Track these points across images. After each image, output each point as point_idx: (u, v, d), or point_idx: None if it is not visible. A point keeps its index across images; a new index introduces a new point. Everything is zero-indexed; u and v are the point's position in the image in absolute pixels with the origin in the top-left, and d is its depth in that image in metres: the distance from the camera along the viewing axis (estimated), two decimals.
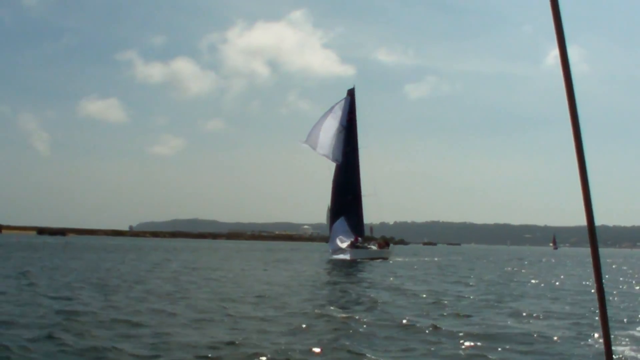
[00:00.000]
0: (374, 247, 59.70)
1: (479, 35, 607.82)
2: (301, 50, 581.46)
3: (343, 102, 60.92)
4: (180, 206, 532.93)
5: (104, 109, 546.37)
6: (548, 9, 2.23)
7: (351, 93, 62.21)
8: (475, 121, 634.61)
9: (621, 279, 42.24)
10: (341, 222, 58.24)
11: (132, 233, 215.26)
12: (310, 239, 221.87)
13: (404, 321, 16.69)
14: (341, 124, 59.11)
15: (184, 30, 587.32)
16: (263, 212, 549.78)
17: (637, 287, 34.05)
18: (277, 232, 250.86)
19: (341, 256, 54.85)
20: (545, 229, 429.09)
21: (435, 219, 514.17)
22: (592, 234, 2.43)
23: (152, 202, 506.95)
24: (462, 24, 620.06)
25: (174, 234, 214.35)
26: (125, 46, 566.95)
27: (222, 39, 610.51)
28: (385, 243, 64.12)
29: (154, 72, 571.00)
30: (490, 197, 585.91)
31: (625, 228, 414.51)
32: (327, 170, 60.87)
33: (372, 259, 55.48)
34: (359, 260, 53.11)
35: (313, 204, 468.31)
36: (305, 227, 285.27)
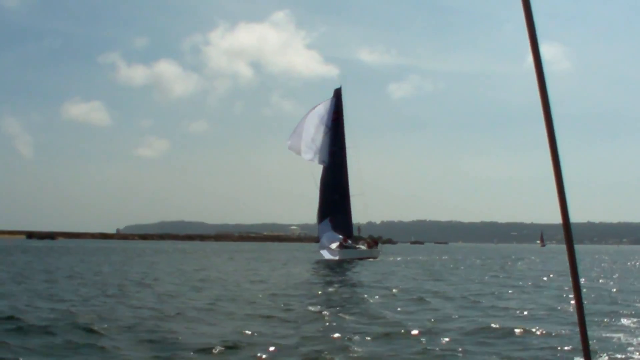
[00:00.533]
0: (362, 247, 59.64)
1: (461, 34, 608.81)
2: (284, 51, 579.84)
3: (329, 101, 60.87)
4: (166, 208, 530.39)
5: (87, 111, 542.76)
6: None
7: (338, 92, 62.10)
8: (459, 120, 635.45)
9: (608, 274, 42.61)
10: (326, 224, 58.28)
11: (120, 236, 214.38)
12: (299, 239, 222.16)
13: (389, 317, 16.84)
14: (326, 124, 59.12)
15: (166, 32, 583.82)
16: (250, 213, 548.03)
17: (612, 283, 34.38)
18: (265, 233, 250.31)
19: (329, 256, 54.87)
20: (532, 226, 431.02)
21: (422, 217, 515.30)
22: (568, 231, 2.46)
23: (138, 205, 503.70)
24: (444, 23, 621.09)
25: (162, 236, 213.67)
26: (108, 48, 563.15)
27: (204, 40, 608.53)
28: (374, 242, 64.00)
29: (137, 74, 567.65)
30: (476, 195, 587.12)
31: (611, 224, 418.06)
32: (310, 176, 60.59)
33: (361, 258, 55.45)
34: (348, 260, 53.12)
35: (300, 205, 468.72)
36: (293, 227, 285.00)
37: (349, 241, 58.36)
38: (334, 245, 55.90)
